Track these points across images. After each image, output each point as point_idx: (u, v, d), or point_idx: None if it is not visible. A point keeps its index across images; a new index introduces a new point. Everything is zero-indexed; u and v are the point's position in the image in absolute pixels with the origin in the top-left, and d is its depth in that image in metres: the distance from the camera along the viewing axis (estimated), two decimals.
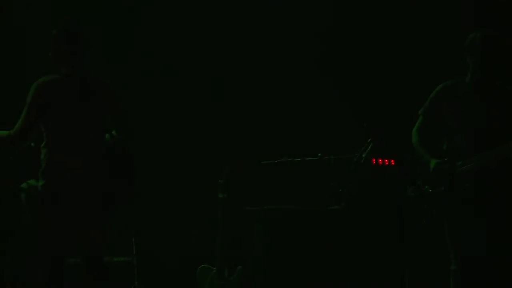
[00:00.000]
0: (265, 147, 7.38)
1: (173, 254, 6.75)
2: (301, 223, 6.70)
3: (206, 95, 8.10)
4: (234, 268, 6.54)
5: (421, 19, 7.69)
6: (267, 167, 7.11)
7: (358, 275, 6.54)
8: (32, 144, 5.36)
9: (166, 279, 6.73)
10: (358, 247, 6.51)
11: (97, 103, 5.38)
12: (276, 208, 6.79)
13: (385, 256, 6.35)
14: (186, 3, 8.12)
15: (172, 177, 6.35)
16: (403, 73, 7.56)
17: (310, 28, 8.06)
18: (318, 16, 8.08)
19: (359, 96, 6.43)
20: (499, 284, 5.61)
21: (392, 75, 7.65)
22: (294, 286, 6.59)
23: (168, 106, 7.48)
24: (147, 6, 8.21)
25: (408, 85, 7.34)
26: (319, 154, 6.80)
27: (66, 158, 5.23)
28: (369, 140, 6.09)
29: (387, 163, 6.66)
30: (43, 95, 5.23)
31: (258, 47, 8.23)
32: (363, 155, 6.29)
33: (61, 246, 5.32)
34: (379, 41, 7.75)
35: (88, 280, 5.44)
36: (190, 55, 8.26)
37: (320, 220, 6.68)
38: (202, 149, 7.67)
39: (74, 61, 5.31)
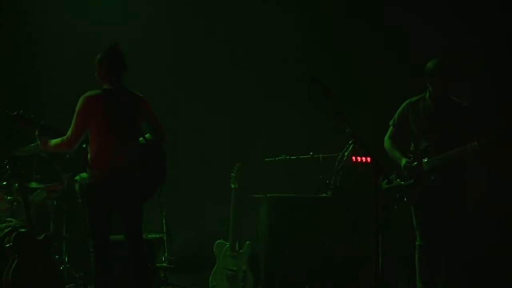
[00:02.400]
0: (268, 148, 8.00)
1: (196, 232, 6.78)
2: (296, 207, 7.22)
3: (226, 108, 8.44)
4: (243, 243, 7.07)
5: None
6: (269, 163, 7.75)
7: (341, 246, 6.97)
8: (84, 145, 5.71)
9: (190, 252, 6.85)
10: (341, 226, 6.96)
11: (132, 111, 5.69)
12: (277, 195, 7.33)
13: (363, 234, 6.74)
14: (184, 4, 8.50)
15: (195, 172, 6.52)
16: (377, 91, 7.89)
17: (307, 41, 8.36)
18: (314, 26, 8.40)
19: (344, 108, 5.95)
20: (454, 255, 6.12)
21: (368, 93, 7.98)
22: (290, 256, 7.05)
23: (194, 116, 7.54)
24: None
25: (380, 100, 7.64)
26: (311, 153, 7.46)
27: (108, 157, 5.58)
28: (350, 142, 6.64)
29: (364, 160, 7.10)
30: (88, 106, 5.58)
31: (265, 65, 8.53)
32: (346, 154, 6.92)
33: (105, 226, 5.66)
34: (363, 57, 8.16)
35: (131, 255, 5.72)
36: (211, 65, 8.51)
37: (311, 204, 7.21)
38: (219, 150, 8.05)
39: (113, 79, 5.69)
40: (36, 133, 5.79)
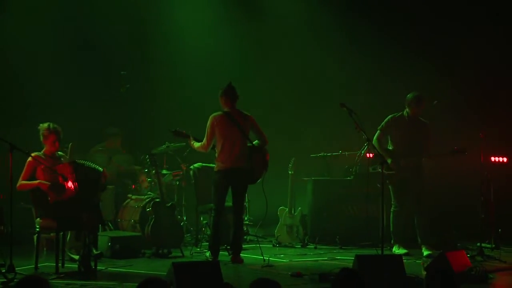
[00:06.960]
0: (313, 147, 9.17)
1: (267, 202, 7.13)
2: (331, 186, 8.62)
3: (284, 120, 9.55)
4: (297, 208, 8.39)
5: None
6: (313, 157, 8.99)
7: (359, 211, 8.36)
8: (215, 149, 6.76)
9: (262, 215, 7.43)
10: (360, 198, 8.17)
11: (242, 125, 6.77)
12: (318, 178, 8.70)
13: (373, 203, 7.93)
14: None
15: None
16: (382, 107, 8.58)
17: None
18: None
19: (362, 122, 6.57)
20: (420, 213, 7.55)
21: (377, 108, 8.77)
22: (327, 217, 8.46)
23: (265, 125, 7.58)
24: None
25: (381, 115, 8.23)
26: (340, 151, 8.82)
27: (226, 154, 6.72)
28: (365, 144, 7.73)
29: (373, 156, 8.11)
30: (214, 123, 6.76)
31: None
32: (362, 152, 8.17)
33: (223, 197, 6.87)
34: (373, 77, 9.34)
35: (235, 217, 6.90)
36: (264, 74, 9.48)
37: (340, 184, 8.61)
38: (280, 148, 8.75)
39: (229, 105, 6.84)
40: (190, 139, 7.00)
